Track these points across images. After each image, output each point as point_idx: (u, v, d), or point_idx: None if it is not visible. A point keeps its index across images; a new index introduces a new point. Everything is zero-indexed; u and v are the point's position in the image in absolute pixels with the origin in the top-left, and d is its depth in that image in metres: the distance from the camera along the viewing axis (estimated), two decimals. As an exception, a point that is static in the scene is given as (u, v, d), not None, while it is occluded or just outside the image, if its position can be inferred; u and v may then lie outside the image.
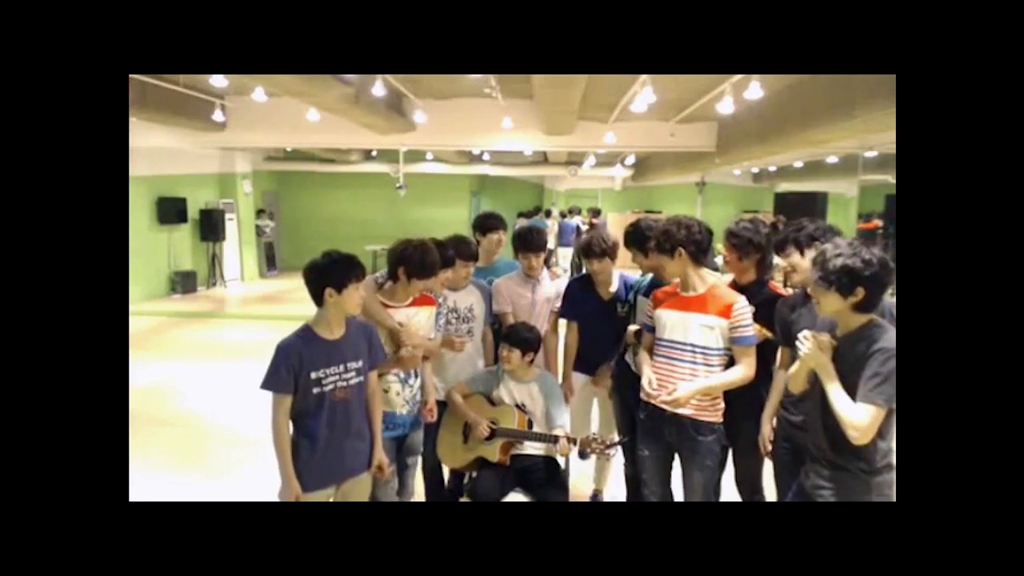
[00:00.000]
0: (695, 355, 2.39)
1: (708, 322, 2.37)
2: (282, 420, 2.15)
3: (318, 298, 2.19)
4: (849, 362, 1.88)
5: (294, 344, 2.17)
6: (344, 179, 14.65)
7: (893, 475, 1.90)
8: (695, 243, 2.40)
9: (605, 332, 3.04)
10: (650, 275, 2.94)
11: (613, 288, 3.09)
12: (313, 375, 2.16)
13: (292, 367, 2.13)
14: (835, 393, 1.87)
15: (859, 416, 1.80)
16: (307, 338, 2.20)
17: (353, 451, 2.31)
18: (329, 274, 2.17)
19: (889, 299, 2.03)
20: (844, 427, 1.84)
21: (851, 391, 1.85)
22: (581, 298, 3.14)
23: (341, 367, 2.22)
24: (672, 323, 2.44)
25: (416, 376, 2.66)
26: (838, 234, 2.29)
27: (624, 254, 3.05)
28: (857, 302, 1.85)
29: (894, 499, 1.90)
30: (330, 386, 2.19)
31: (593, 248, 3.00)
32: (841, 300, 1.85)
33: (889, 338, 1.83)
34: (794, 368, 2.08)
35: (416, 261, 2.52)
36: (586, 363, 3.17)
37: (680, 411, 2.41)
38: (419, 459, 2.83)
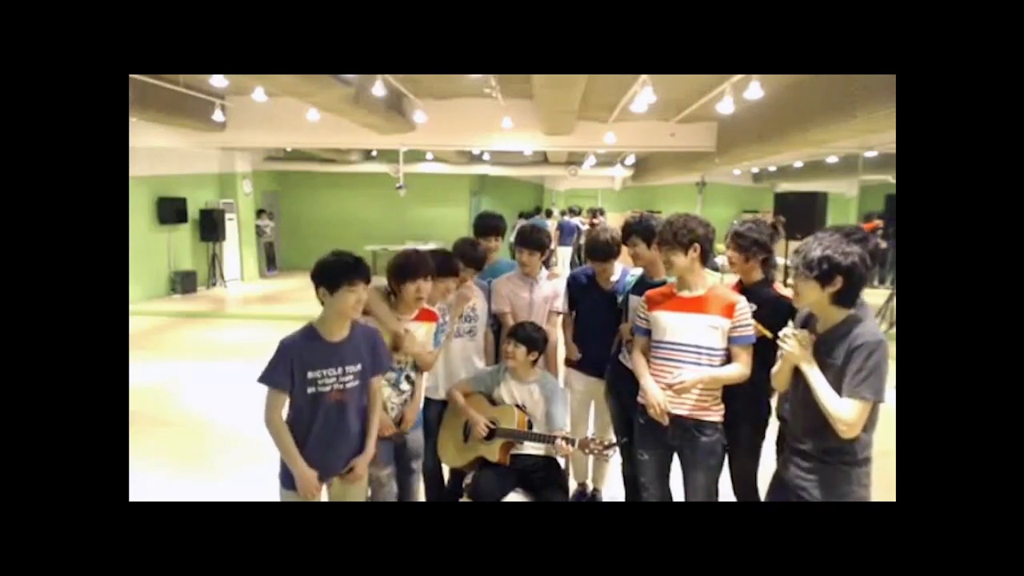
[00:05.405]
0: (699, 355, 2.39)
1: (714, 323, 2.38)
2: (275, 415, 2.17)
3: (318, 297, 2.21)
4: (833, 358, 1.91)
5: (295, 342, 2.19)
6: (344, 179, 14.64)
7: (871, 467, 1.96)
8: (709, 242, 2.43)
9: (603, 322, 3.06)
10: (639, 271, 2.93)
11: (614, 278, 3.11)
12: (309, 375, 2.17)
13: (291, 365, 2.15)
14: (821, 389, 1.91)
15: (846, 411, 1.85)
16: (309, 337, 2.21)
17: (347, 452, 2.31)
18: (322, 274, 2.18)
19: None
20: (832, 422, 1.87)
21: (836, 386, 1.89)
22: (582, 290, 3.18)
23: (339, 369, 2.22)
24: (674, 325, 2.43)
25: (410, 383, 2.66)
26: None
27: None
28: (835, 292, 1.89)
29: (871, 488, 1.97)
30: (325, 387, 2.20)
31: (596, 252, 3.04)
32: (819, 289, 1.90)
33: (871, 332, 1.87)
34: (777, 367, 2.10)
35: (392, 265, 2.54)
36: (585, 355, 3.18)
37: (682, 412, 2.41)
38: (421, 462, 2.82)
